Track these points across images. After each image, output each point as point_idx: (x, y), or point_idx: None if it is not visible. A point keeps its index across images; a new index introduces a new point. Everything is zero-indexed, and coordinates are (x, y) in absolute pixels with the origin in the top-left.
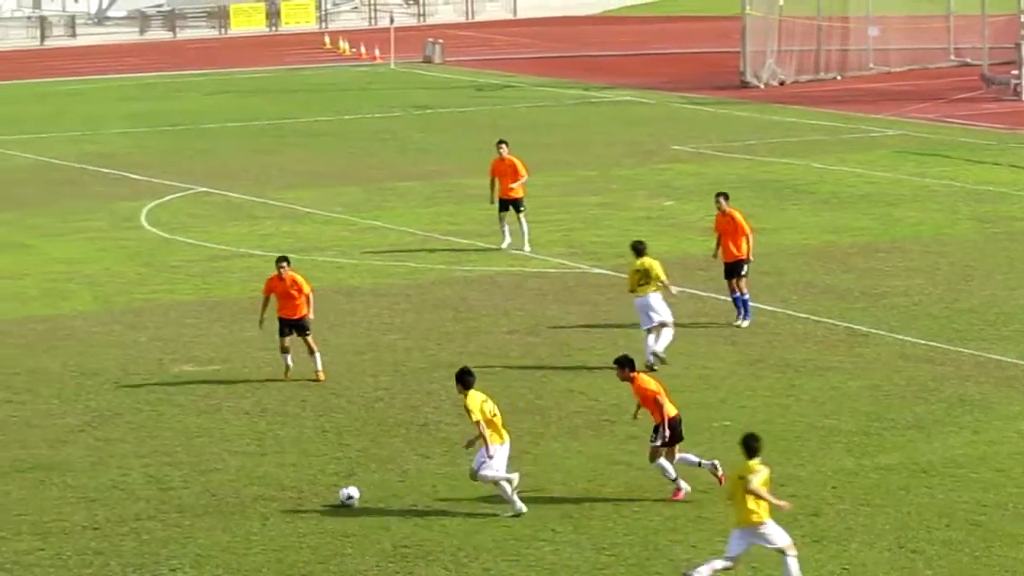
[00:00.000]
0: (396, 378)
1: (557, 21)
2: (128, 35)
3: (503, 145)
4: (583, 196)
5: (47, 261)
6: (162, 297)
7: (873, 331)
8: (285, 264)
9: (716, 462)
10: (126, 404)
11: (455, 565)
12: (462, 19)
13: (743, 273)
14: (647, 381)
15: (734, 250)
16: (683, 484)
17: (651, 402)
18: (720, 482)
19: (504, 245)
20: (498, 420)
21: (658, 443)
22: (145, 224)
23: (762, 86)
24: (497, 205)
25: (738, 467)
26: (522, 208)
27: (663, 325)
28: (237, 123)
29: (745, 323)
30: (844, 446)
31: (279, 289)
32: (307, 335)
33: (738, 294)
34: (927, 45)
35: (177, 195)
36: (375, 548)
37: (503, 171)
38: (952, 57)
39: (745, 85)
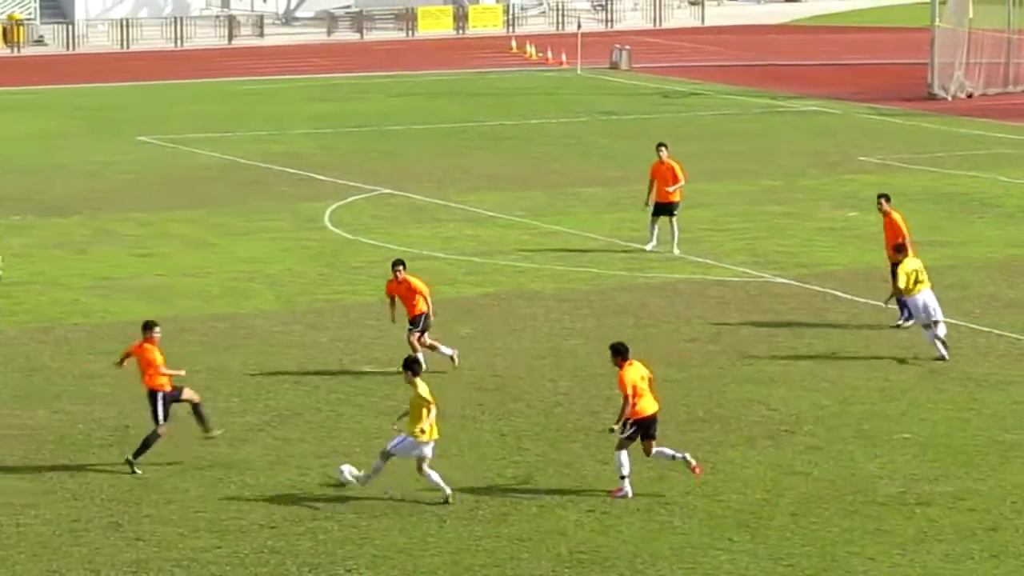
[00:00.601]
0: (575, 383)
1: (744, 29)
2: (315, 36)
3: (663, 148)
4: (767, 205)
5: (230, 260)
6: (344, 298)
7: None
8: (400, 268)
9: (687, 454)
10: (306, 404)
11: (631, 572)
12: (649, 26)
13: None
14: (629, 373)
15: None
16: (627, 487)
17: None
18: (695, 473)
19: (649, 247)
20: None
21: (623, 434)
22: (329, 225)
23: (950, 98)
24: (651, 208)
25: None
26: (675, 212)
27: (937, 322)
28: (422, 125)
29: (907, 324)
30: (1023, 461)
31: (398, 292)
32: (422, 330)
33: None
34: None
35: (361, 196)
36: (551, 553)
37: (662, 174)
38: None
39: (932, 97)
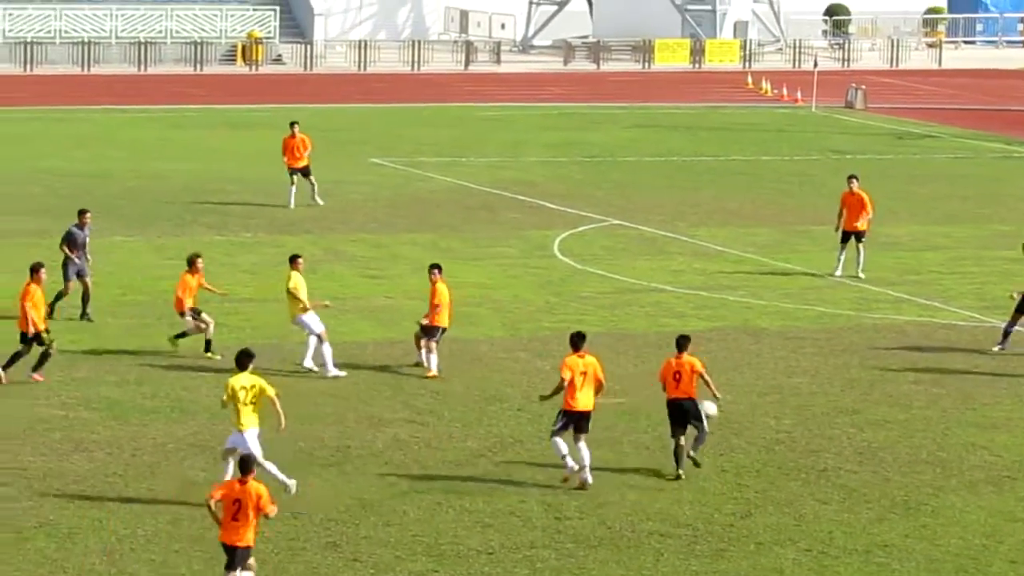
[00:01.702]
0: (798, 421)
1: (982, 73)
2: (552, 64)
3: (854, 180)
4: (997, 250)
5: (458, 285)
6: (570, 327)
7: None
8: (436, 271)
9: (575, 467)
10: (528, 432)
11: None
12: (886, 66)
13: None
14: (571, 361)
15: None
16: (571, 463)
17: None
18: (582, 486)
19: (837, 274)
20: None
21: (556, 425)
22: (557, 253)
23: None
24: (840, 235)
25: None
26: (863, 240)
27: None
28: (653, 157)
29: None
30: None
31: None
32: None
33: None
34: None
35: (591, 226)
36: None
37: (851, 204)
38: None
39: None
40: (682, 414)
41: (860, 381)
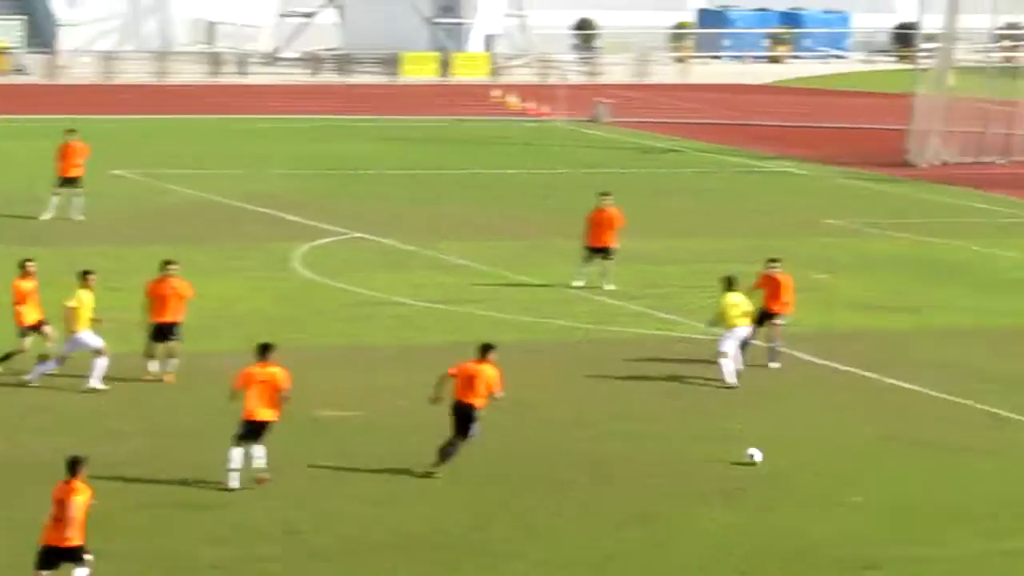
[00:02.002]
0: (535, 433)
1: (727, 88)
2: (300, 76)
3: (605, 197)
4: (739, 264)
5: (199, 298)
6: (308, 340)
7: (1013, 416)
8: (172, 267)
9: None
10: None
11: None
12: (633, 80)
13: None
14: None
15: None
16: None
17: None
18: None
19: (577, 284)
20: None
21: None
22: (299, 266)
23: (924, 165)
24: (587, 251)
25: None
26: (612, 256)
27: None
28: (399, 171)
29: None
30: (975, 528)
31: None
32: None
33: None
34: None
35: (333, 239)
36: None
37: (601, 221)
38: None
39: (907, 164)
40: (464, 418)
41: (597, 394)
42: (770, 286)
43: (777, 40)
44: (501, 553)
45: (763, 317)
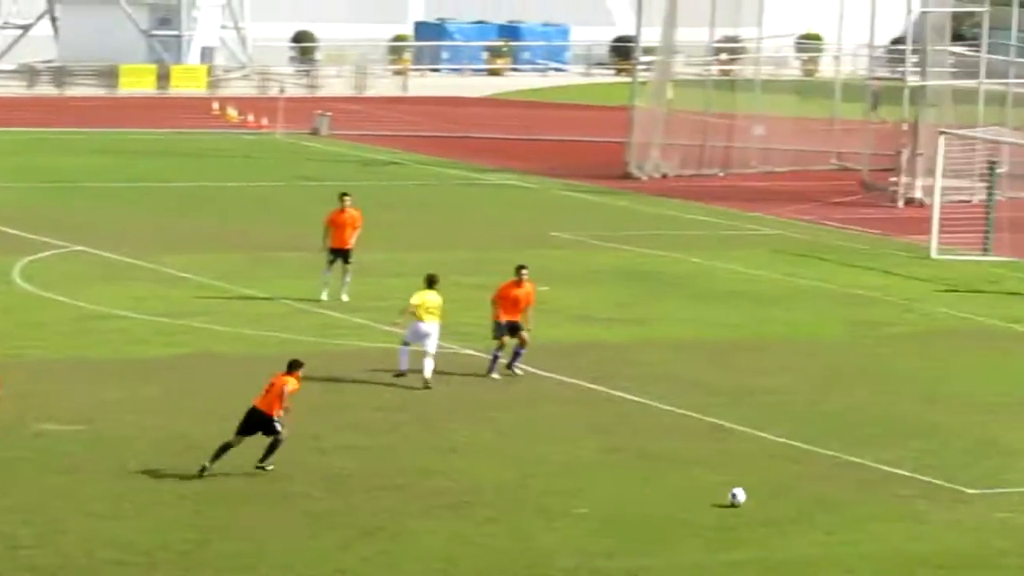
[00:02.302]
0: (261, 447)
1: (447, 101)
2: (15, 89)
3: (347, 197)
4: (460, 277)
5: None
6: (29, 353)
7: (737, 427)
8: None
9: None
10: None
11: None
12: (353, 93)
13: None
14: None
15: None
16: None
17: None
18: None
19: (323, 297)
20: None
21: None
22: (18, 280)
23: (645, 178)
24: (327, 255)
25: None
26: (351, 260)
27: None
28: (119, 183)
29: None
30: (699, 540)
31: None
32: None
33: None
34: (810, 148)
35: (53, 252)
36: None
37: (342, 223)
38: (834, 161)
39: (629, 176)
40: (254, 425)
41: (323, 407)
42: (511, 296)
43: (496, 53)
44: (229, 568)
45: (511, 327)
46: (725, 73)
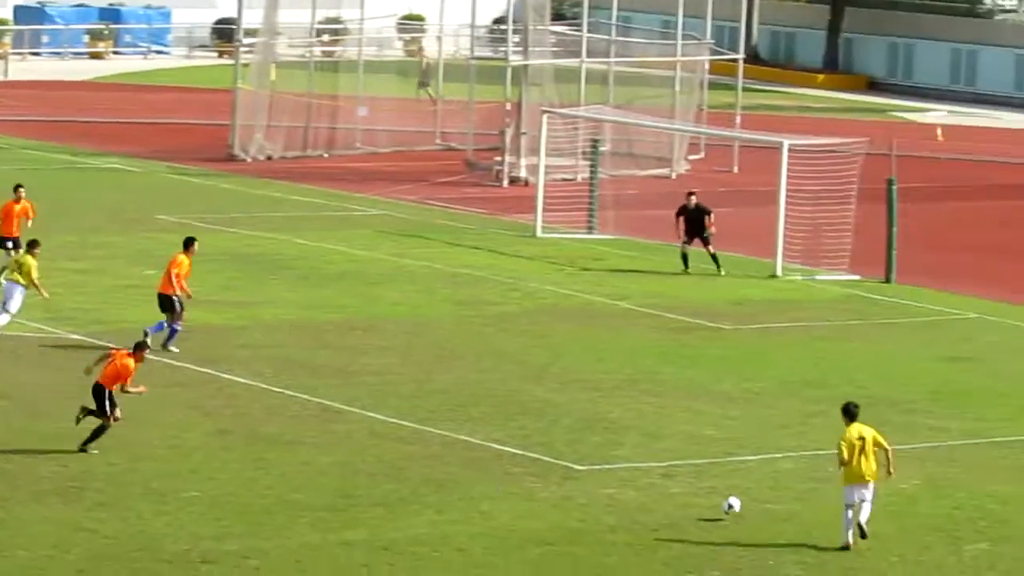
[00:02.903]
0: None
1: (47, 85)
2: None
3: (20, 188)
4: (62, 262)
5: None
6: None
7: (346, 408)
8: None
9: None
10: None
11: None
12: None
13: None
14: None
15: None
16: None
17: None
18: None
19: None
20: None
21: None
22: None
23: (249, 160)
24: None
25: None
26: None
27: None
28: None
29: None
30: (310, 521)
31: None
32: None
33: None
34: (415, 128)
35: None
36: None
37: (15, 213)
38: (438, 141)
39: (233, 158)
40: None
41: None
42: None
43: (97, 36)
44: None
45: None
46: (328, 55)
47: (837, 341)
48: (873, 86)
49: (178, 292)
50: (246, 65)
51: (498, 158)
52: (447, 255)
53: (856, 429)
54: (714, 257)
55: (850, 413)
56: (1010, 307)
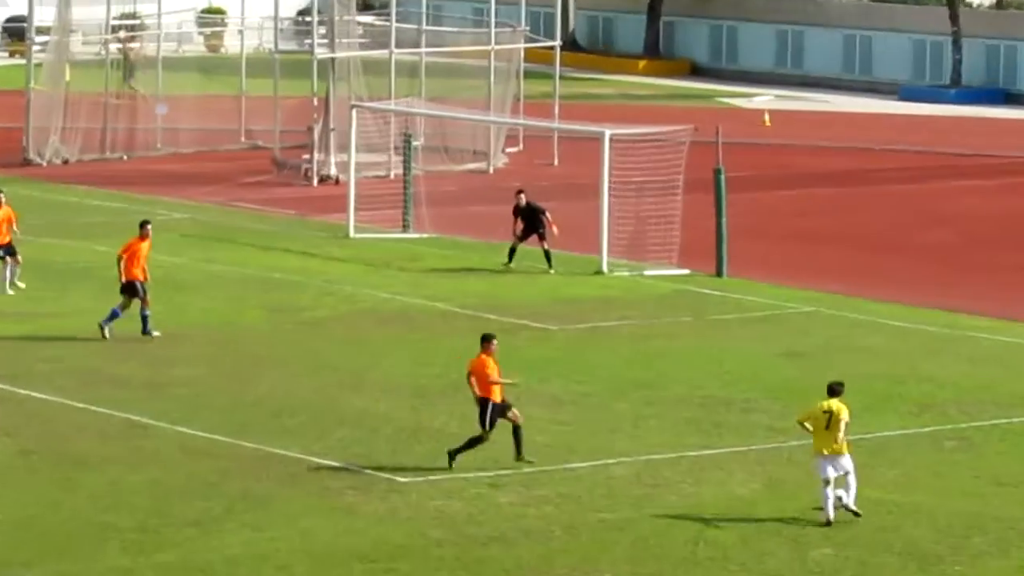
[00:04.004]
0: None
1: None
2: None
3: (0, 195)
4: None
5: None
6: None
7: (153, 423)
8: None
9: None
10: None
11: None
12: None
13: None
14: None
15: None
16: None
17: None
18: None
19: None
20: None
21: None
22: None
23: (45, 164)
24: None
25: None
26: (18, 254)
27: None
28: None
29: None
30: (120, 543)
31: None
32: None
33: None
34: (218, 126)
35: None
36: None
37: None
38: (243, 139)
39: (28, 163)
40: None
41: None
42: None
43: None
44: None
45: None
46: (124, 53)
47: (669, 339)
48: (696, 71)
49: (128, 277)
50: (39, 65)
51: (306, 156)
52: (257, 259)
53: (827, 403)
54: (547, 254)
55: (832, 390)
56: (845, 299)
